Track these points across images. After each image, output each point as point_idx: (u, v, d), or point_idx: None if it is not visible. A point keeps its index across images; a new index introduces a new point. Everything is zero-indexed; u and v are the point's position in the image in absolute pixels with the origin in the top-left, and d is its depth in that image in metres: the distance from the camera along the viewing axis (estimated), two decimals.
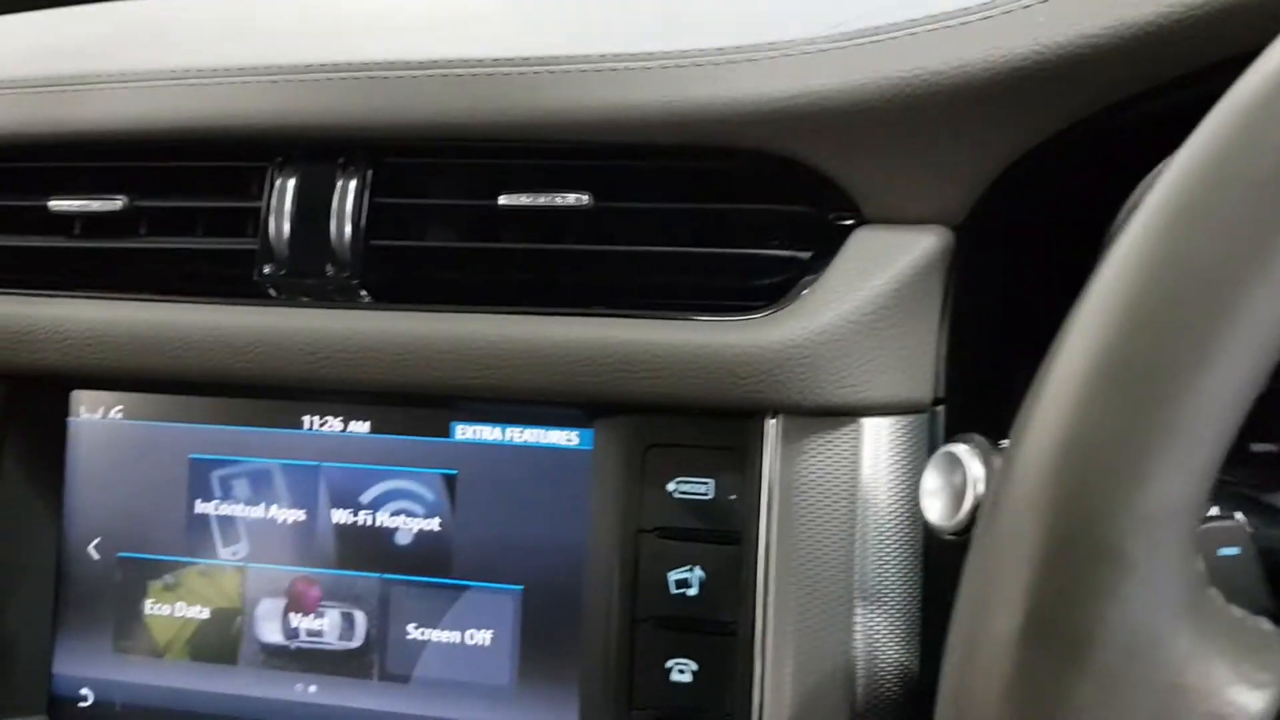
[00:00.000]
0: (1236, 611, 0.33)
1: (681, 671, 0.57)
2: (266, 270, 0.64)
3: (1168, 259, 0.30)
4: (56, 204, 0.68)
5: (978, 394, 0.58)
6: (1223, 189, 0.30)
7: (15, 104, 0.69)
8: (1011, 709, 0.31)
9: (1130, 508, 0.30)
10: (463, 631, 0.63)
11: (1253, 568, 0.40)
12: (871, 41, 0.55)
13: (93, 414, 0.69)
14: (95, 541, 0.68)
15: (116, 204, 0.68)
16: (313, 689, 0.65)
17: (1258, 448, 0.58)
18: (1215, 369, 0.29)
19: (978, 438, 0.46)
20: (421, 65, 0.63)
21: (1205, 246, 0.30)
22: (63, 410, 0.69)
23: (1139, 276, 0.31)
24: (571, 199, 0.60)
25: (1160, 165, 0.53)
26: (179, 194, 0.68)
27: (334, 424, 0.65)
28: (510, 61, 0.61)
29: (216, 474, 0.67)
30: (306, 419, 0.66)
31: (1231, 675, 0.31)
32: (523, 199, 0.61)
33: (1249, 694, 0.32)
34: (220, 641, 0.66)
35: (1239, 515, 0.42)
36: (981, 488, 0.44)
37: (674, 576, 0.58)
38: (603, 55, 0.59)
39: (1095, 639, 0.30)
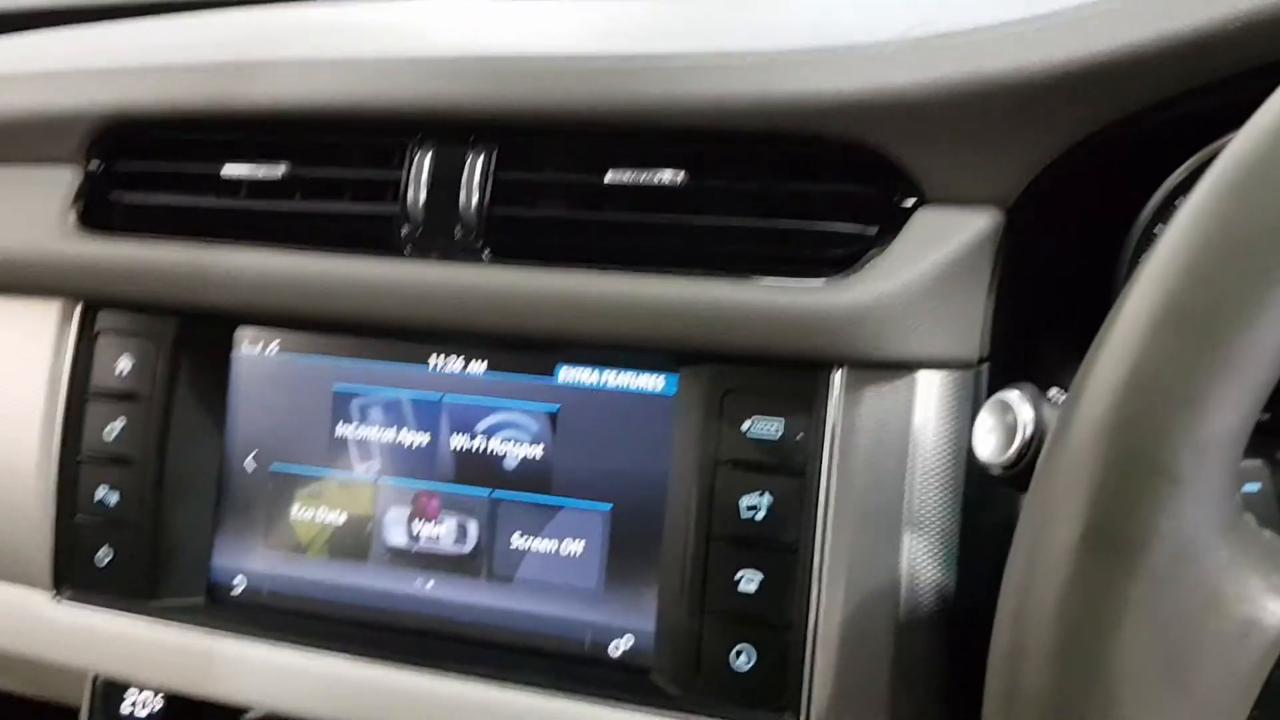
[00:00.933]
0: (1267, 534, 0.33)
1: (749, 582, 0.57)
2: (404, 231, 0.65)
3: (1231, 215, 0.30)
4: (229, 169, 0.69)
5: (1018, 354, 0.57)
6: None
7: (196, 83, 0.70)
8: (1069, 603, 0.31)
9: (1186, 433, 0.29)
10: (559, 541, 0.63)
11: (1272, 502, 0.40)
12: (940, 45, 0.54)
13: (253, 347, 0.69)
14: (252, 455, 0.69)
15: (278, 171, 0.68)
16: (430, 585, 0.65)
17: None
18: (1268, 315, 0.29)
19: (1028, 385, 0.46)
20: (543, 58, 0.63)
21: (1264, 205, 0.29)
22: (228, 343, 0.70)
23: (1205, 230, 0.30)
24: (669, 176, 0.60)
25: (1194, 158, 0.53)
26: (331, 164, 0.68)
27: (456, 363, 0.65)
28: (620, 57, 0.61)
29: (356, 402, 0.67)
30: (433, 358, 0.66)
31: (1263, 586, 0.31)
32: (626, 175, 0.61)
33: (1277, 602, 0.31)
34: (354, 542, 0.67)
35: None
36: (1030, 429, 0.43)
37: (745, 502, 0.58)
38: (702, 53, 0.59)
39: (1148, 546, 0.30)
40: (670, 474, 0.60)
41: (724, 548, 0.58)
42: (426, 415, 0.66)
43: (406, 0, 0.91)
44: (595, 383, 0.63)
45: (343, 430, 0.67)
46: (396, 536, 0.66)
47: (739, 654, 0.57)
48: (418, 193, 0.64)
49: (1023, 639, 0.33)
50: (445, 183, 0.64)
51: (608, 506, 0.62)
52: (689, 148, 0.61)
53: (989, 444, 0.45)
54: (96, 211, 0.73)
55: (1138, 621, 0.30)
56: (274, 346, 0.69)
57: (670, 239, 0.61)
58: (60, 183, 0.74)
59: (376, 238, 0.66)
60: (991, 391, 0.50)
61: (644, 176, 0.61)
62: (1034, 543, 0.33)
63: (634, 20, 0.69)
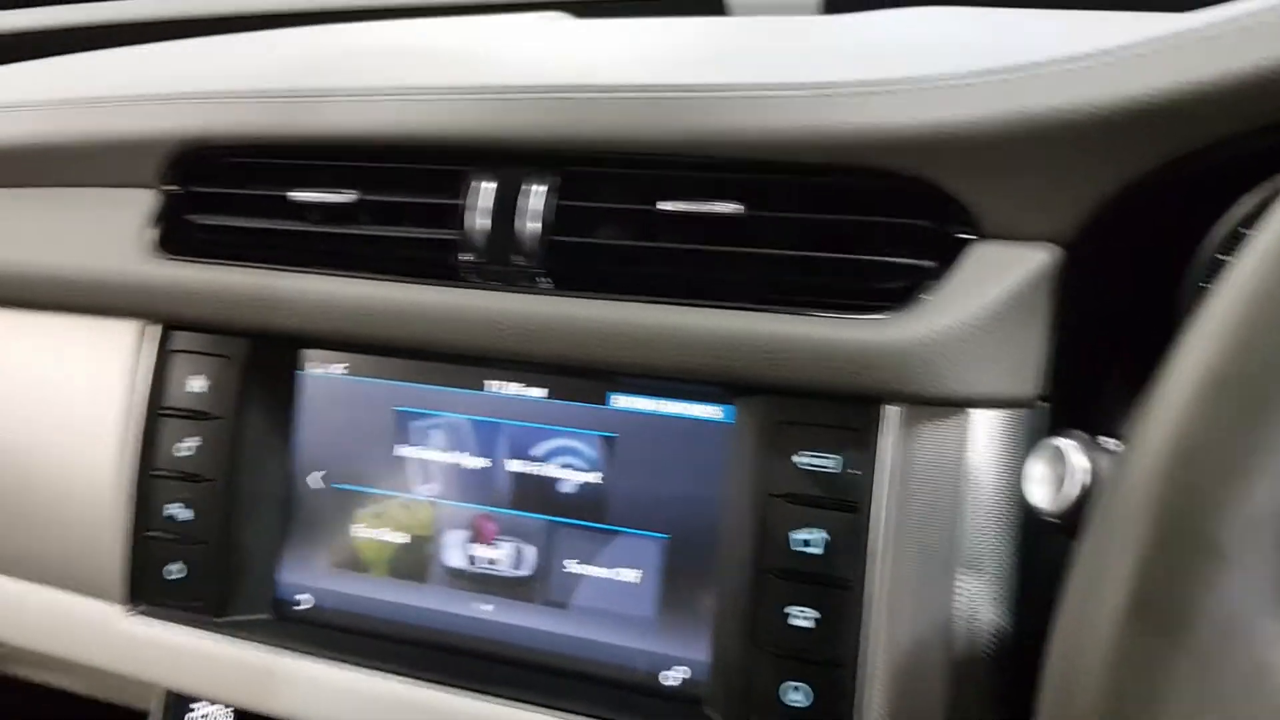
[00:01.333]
0: None
1: (801, 618, 0.57)
2: (465, 258, 0.66)
3: (1277, 280, 0.29)
4: (298, 194, 0.71)
5: (1077, 393, 0.57)
6: None
7: (270, 112, 0.72)
8: (1115, 676, 0.31)
9: (1232, 508, 0.29)
10: (614, 569, 0.63)
11: None
12: (1000, 80, 0.53)
13: (318, 369, 0.71)
14: (317, 473, 0.71)
15: (345, 197, 0.70)
16: (488, 607, 0.66)
17: None
18: None
19: (1079, 433, 0.45)
20: (602, 89, 0.64)
21: None
22: (295, 365, 0.72)
23: (1252, 298, 0.30)
24: (725, 207, 0.60)
25: (1259, 188, 0.51)
26: (395, 190, 0.70)
27: (513, 388, 0.66)
28: (679, 87, 0.61)
29: (416, 424, 0.69)
30: (491, 383, 0.67)
31: None
32: (683, 206, 0.61)
33: None
34: (414, 563, 0.68)
35: None
36: (1082, 478, 0.43)
37: (798, 536, 0.58)
38: (760, 84, 0.59)
39: (1192, 621, 0.29)
40: (724, 505, 0.61)
41: (777, 582, 0.58)
42: (485, 439, 0.67)
43: (471, 22, 0.93)
44: (652, 410, 0.63)
45: (403, 451, 0.69)
46: (455, 558, 0.67)
47: (791, 689, 0.57)
48: (478, 220, 0.65)
49: (1068, 706, 0.33)
50: (505, 210, 0.65)
51: (664, 535, 0.62)
52: (745, 178, 0.61)
53: (1039, 491, 0.45)
54: (172, 234, 0.75)
55: (1184, 696, 0.30)
56: (338, 368, 0.71)
57: (726, 269, 0.61)
58: (138, 205, 0.76)
59: (438, 264, 0.67)
60: (1052, 430, 0.50)
61: (700, 207, 0.61)
62: (1082, 605, 0.33)
63: (692, 49, 0.70)
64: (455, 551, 0.67)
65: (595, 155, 0.64)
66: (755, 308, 0.59)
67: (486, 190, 0.66)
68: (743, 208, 0.60)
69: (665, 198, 0.62)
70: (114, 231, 0.76)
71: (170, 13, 1.16)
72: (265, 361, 0.72)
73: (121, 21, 1.26)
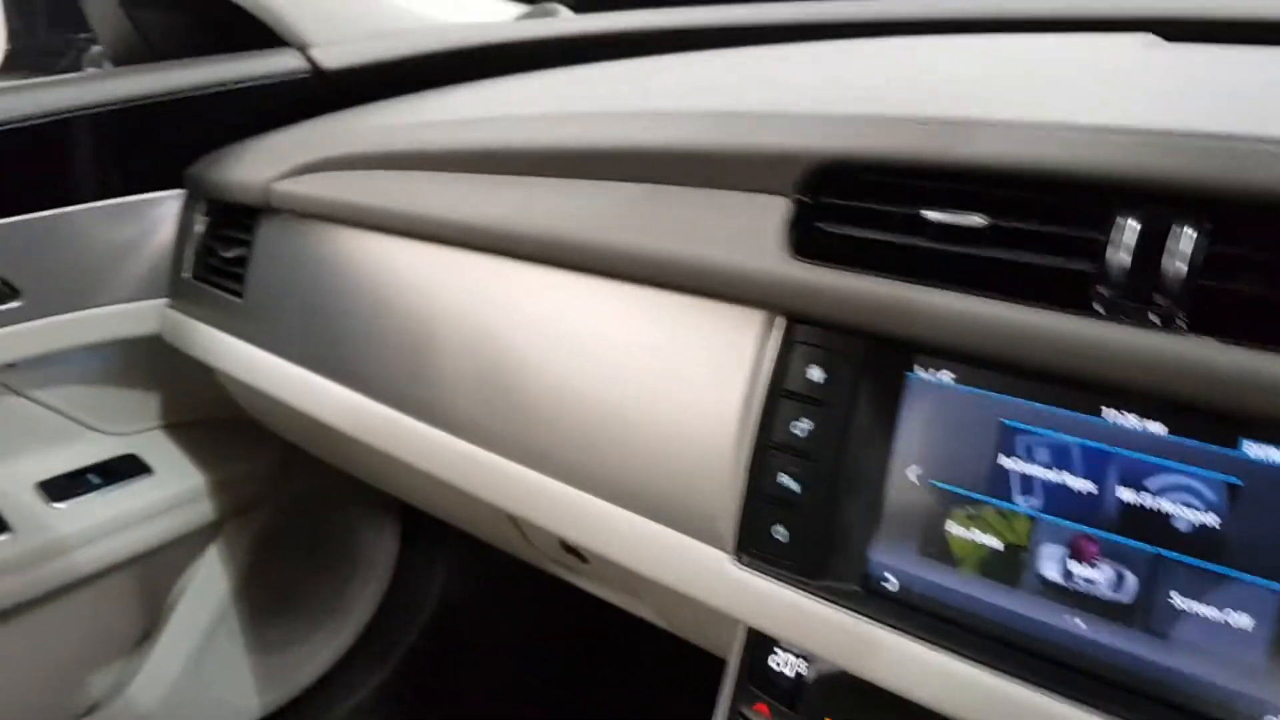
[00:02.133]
0: None
1: None
2: (1100, 291, 0.69)
3: None
4: (932, 215, 0.78)
5: None
6: None
7: (910, 138, 0.80)
8: None
9: None
10: (1223, 611, 0.65)
11: None
12: None
13: (926, 374, 0.78)
14: (915, 467, 0.78)
15: (976, 220, 0.76)
16: (1080, 624, 0.70)
17: None
18: None
19: None
20: (1259, 140, 0.65)
21: None
22: (905, 367, 0.79)
23: None
24: None
25: None
26: (1027, 218, 0.74)
27: (1131, 420, 0.69)
28: None
29: (1022, 439, 0.73)
30: (1106, 411, 0.70)
31: None
32: None
33: None
34: (1006, 567, 0.73)
35: None
36: None
37: None
38: None
39: None
40: None
41: None
42: (1094, 464, 0.70)
43: (1058, 42, 0.95)
44: None
45: (1005, 462, 0.74)
46: (1050, 571, 0.72)
47: None
48: (1120, 256, 0.69)
49: None
50: (1151, 250, 0.68)
51: None
52: None
53: None
54: (803, 239, 0.85)
55: None
56: (947, 375, 0.77)
57: None
58: (773, 210, 0.87)
59: (1067, 293, 0.71)
60: None
61: None
62: None
63: None
64: (1051, 564, 0.71)
65: (1254, 205, 0.65)
66: None
67: (1132, 228, 0.69)
68: None
69: None
70: (750, 232, 0.88)
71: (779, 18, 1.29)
72: (878, 361, 0.80)
73: (731, 25, 1.41)
